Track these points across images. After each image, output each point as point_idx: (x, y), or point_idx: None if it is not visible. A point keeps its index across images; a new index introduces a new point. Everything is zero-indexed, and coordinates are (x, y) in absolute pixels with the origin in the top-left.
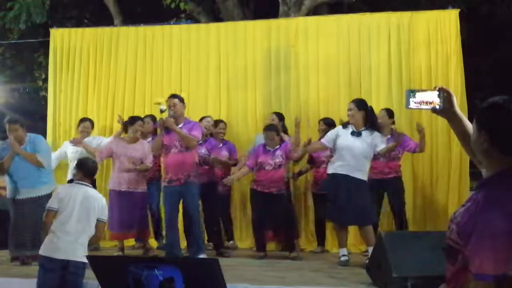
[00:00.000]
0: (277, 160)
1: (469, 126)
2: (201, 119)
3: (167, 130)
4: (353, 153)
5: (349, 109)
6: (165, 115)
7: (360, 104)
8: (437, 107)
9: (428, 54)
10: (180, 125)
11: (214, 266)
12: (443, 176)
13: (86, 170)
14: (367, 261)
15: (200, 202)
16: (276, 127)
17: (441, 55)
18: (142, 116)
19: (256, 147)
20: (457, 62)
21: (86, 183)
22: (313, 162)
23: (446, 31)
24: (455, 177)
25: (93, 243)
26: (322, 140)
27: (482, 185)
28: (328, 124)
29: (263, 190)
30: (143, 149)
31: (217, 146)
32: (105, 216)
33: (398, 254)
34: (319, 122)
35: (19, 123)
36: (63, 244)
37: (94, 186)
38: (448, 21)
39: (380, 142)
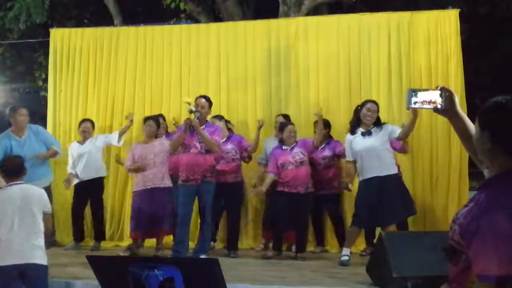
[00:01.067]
0: (298, 158)
1: (471, 125)
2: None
3: (191, 130)
4: (371, 152)
5: (373, 111)
6: (192, 116)
7: (378, 106)
8: (439, 106)
9: (428, 54)
10: (202, 127)
11: (214, 266)
12: (443, 176)
13: (11, 170)
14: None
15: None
16: (292, 123)
17: (441, 55)
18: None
19: (272, 150)
20: (457, 62)
21: (18, 182)
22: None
23: (446, 31)
24: (455, 177)
25: (47, 237)
26: (347, 159)
27: (485, 185)
28: (324, 125)
29: (291, 191)
30: (160, 146)
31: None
32: (48, 208)
33: (398, 254)
34: (314, 123)
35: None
36: (15, 249)
37: (100, 188)
38: (448, 21)
39: (394, 127)
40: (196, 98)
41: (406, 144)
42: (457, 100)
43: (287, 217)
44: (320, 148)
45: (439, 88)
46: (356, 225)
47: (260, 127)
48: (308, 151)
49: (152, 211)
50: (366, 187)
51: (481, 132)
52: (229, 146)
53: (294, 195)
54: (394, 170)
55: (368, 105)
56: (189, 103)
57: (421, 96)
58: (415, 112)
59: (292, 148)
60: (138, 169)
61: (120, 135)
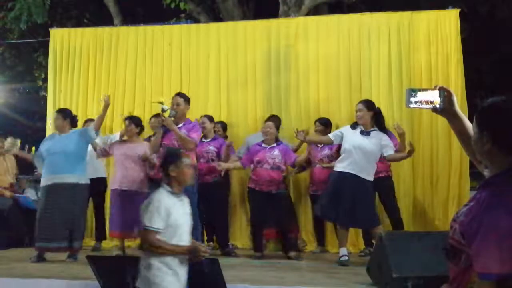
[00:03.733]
0: (276, 161)
1: (470, 126)
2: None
3: (166, 129)
4: (363, 152)
5: (359, 110)
6: (166, 114)
7: (369, 104)
8: (438, 106)
9: (428, 54)
10: (179, 125)
11: (214, 266)
12: (443, 176)
13: None
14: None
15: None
16: (275, 120)
17: (441, 55)
18: (142, 116)
19: (251, 146)
20: (457, 62)
21: None
22: (309, 162)
23: (446, 31)
24: (455, 177)
25: None
26: (329, 134)
27: (486, 185)
28: (324, 124)
29: (261, 189)
30: (143, 148)
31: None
32: None
33: (398, 254)
34: (315, 123)
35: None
36: None
37: (105, 186)
38: (448, 21)
39: (389, 147)
40: (173, 96)
41: (402, 143)
42: (455, 100)
43: (261, 216)
44: (320, 147)
45: (437, 87)
46: (339, 224)
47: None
48: (286, 164)
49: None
50: (339, 179)
51: (480, 133)
52: (210, 147)
53: (264, 193)
54: (370, 178)
55: (357, 106)
56: (161, 102)
57: (420, 95)
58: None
59: (272, 148)
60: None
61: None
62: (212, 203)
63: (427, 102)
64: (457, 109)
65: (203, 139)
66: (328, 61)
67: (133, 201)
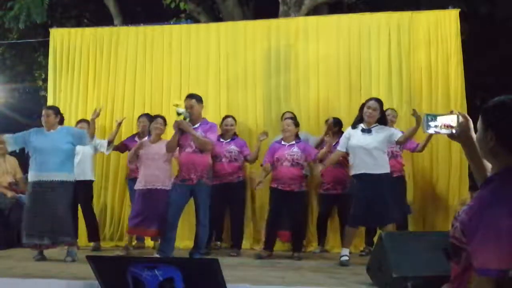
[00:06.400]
0: (295, 157)
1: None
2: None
3: (182, 131)
4: (365, 150)
5: (374, 108)
6: (181, 117)
7: (381, 104)
8: (454, 131)
9: (428, 54)
10: (196, 126)
11: (214, 266)
12: (443, 176)
13: None
14: None
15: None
16: (294, 118)
17: (441, 55)
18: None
19: (272, 143)
20: (457, 62)
21: None
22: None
23: (446, 31)
24: (455, 177)
25: None
26: (338, 148)
27: (487, 182)
28: (334, 124)
29: (284, 188)
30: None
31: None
32: None
33: (398, 254)
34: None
35: (54, 110)
36: None
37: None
38: (448, 21)
39: (395, 131)
40: (185, 99)
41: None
42: (472, 125)
43: (280, 215)
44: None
45: (455, 112)
46: (351, 225)
47: (261, 140)
48: (307, 160)
49: (152, 209)
50: (358, 183)
51: (485, 131)
52: (232, 146)
53: (287, 192)
54: (386, 170)
55: (370, 103)
56: (177, 105)
57: (440, 120)
58: (418, 119)
59: (291, 146)
60: None
61: (109, 143)
62: (237, 202)
63: (446, 127)
64: (473, 134)
65: (221, 139)
66: (328, 61)
67: (157, 199)
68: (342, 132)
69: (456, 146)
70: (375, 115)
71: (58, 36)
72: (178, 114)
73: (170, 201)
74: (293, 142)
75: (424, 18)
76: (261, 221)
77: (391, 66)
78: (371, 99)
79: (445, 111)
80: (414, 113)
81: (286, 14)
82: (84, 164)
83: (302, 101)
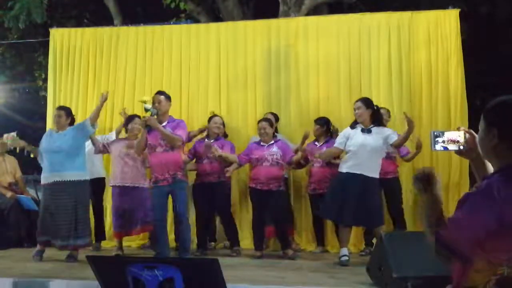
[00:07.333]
0: (274, 157)
1: (491, 168)
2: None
3: (150, 129)
4: (367, 150)
5: (357, 108)
6: (149, 113)
7: (368, 102)
8: (461, 147)
9: (428, 54)
10: (164, 123)
11: (214, 266)
12: (443, 176)
13: None
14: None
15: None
16: (269, 120)
17: (441, 55)
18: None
19: (250, 144)
20: (457, 62)
21: None
22: (306, 159)
23: (446, 31)
24: (455, 177)
25: None
26: (335, 145)
27: (488, 177)
28: (320, 124)
29: (262, 188)
30: None
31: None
32: None
33: (398, 254)
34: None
35: (65, 111)
36: None
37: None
38: (448, 21)
39: (392, 133)
40: (154, 95)
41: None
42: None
43: (262, 214)
44: (319, 145)
45: (461, 129)
46: (322, 216)
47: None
48: (284, 160)
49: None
50: (345, 180)
51: (487, 130)
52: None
53: (265, 192)
54: (377, 175)
55: (355, 104)
56: (144, 102)
57: (447, 135)
58: (410, 123)
59: (270, 146)
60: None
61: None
62: (222, 202)
63: (453, 142)
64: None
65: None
66: (328, 61)
67: (133, 197)
68: (331, 132)
69: None
70: (362, 113)
71: (58, 36)
72: (146, 110)
73: (153, 205)
74: (272, 141)
75: (424, 18)
76: None
77: (391, 66)
78: (356, 100)
79: (445, 111)
80: (406, 116)
81: (286, 14)
82: (92, 161)
83: (302, 101)
